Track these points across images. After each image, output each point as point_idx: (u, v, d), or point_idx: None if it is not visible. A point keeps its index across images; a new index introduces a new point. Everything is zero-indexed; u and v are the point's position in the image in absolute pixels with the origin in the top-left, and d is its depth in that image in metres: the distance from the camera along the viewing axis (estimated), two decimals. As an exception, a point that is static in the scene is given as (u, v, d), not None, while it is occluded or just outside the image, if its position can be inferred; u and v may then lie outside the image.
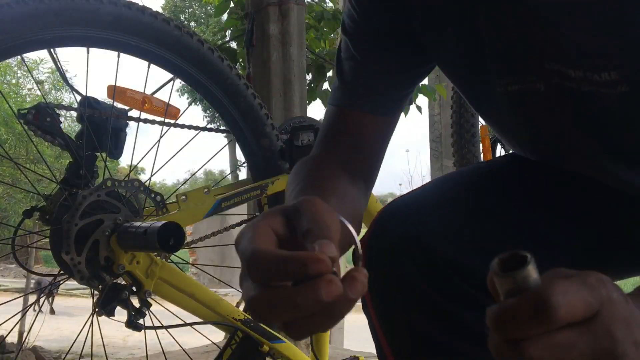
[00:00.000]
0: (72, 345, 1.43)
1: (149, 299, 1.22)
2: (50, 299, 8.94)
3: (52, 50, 1.30)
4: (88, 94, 1.34)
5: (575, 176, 0.78)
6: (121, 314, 1.21)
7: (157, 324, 1.27)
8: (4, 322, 1.28)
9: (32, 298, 4.79)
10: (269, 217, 0.50)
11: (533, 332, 0.40)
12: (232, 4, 3.07)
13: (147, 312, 1.21)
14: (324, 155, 0.82)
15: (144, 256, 1.21)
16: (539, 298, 0.40)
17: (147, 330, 1.22)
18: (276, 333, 1.44)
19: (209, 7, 16.26)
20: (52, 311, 9.08)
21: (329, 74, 3.24)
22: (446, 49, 0.77)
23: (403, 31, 0.78)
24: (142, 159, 1.40)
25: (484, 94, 0.76)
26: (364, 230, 0.87)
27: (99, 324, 1.26)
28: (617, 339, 0.42)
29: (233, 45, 3.30)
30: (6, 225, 5.36)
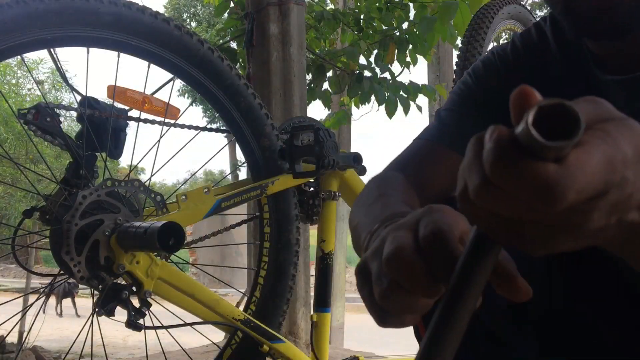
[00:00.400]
0: (72, 345, 1.43)
1: (149, 299, 1.22)
2: (59, 300, 8.77)
3: (52, 50, 1.30)
4: (88, 94, 1.34)
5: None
6: (121, 314, 1.21)
7: (157, 324, 1.27)
8: (4, 322, 1.28)
9: (32, 298, 4.79)
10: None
11: (530, 215, 0.35)
12: (232, 4, 3.07)
13: (147, 312, 1.21)
14: (401, 176, 0.84)
15: (144, 256, 1.21)
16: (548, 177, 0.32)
17: (147, 330, 1.22)
18: (276, 333, 1.44)
19: (210, 8, 16.26)
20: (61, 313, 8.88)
21: (329, 74, 3.24)
22: None
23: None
24: (142, 159, 1.40)
25: None
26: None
27: (99, 324, 1.25)
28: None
29: (233, 45, 3.30)
30: (6, 225, 5.36)
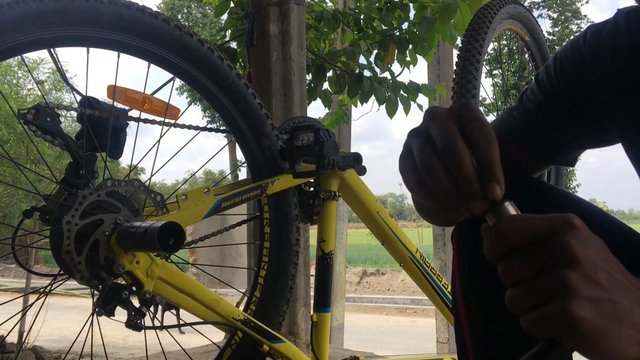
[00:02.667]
0: (72, 345, 1.43)
1: (148, 299, 1.22)
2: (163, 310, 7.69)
3: (52, 50, 1.30)
4: (88, 94, 1.34)
5: None
6: (121, 314, 1.21)
7: (157, 324, 1.26)
8: (4, 322, 1.28)
9: (32, 298, 4.79)
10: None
11: (494, 253, 0.51)
12: (232, 4, 3.07)
13: (147, 312, 1.21)
14: None
15: (144, 256, 1.21)
16: (494, 225, 0.52)
17: (147, 330, 1.22)
18: (276, 333, 1.44)
19: (206, 8, 16.27)
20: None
21: (329, 74, 3.24)
22: None
23: (592, 107, 0.82)
24: (142, 159, 1.40)
25: None
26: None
27: (99, 324, 1.25)
28: (571, 244, 0.47)
29: (233, 45, 3.30)
30: (6, 225, 5.36)
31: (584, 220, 0.56)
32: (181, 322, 1.31)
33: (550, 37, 18.08)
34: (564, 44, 0.88)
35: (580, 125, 0.85)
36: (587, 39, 0.83)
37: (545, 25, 18.73)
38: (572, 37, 0.89)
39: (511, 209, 0.54)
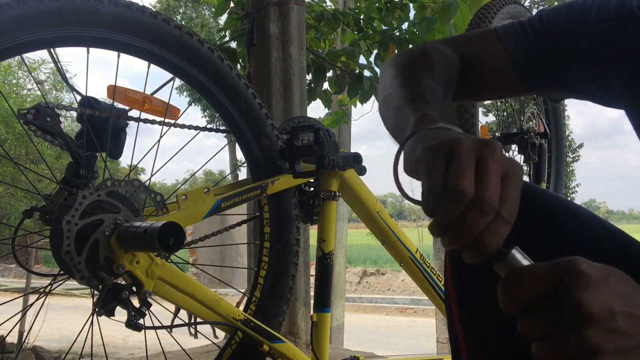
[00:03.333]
0: (72, 345, 1.43)
1: (149, 299, 1.22)
2: None
3: (52, 50, 1.29)
4: (88, 94, 1.34)
5: None
6: (121, 314, 1.21)
7: (157, 324, 1.26)
8: (4, 322, 1.28)
9: (32, 298, 4.79)
10: None
11: (510, 311, 0.50)
12: (232, 4, 3.07)
13: (147, 312, 1.21)
14: (451, 52, 0.90)
15: (144, 256, 1.21)
16: (503, 282, 0.51)
17: (147, 330, 1.22)
18: (276, 333, 1.44)
19: (203, 8, 16.26)
20: None
21: (329, 74, 3.24)
22: None
23: (603, 72, 0.84)
24: (142, 159, 1.40)
25: None
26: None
27: (99, 324, 1.25)
28: (582, 301, 0.46)
29: (233, 45, 3.30)
30: (6, 225, 5.35)
31: (575, 226, 0.57)
32: (181, 322, 1.31)
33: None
34: None
35: (582, 70, 0.86)
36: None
37: (545, 25, 18.67)
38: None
39: (519, 258, 0.53)
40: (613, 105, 0.89)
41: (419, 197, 0.61)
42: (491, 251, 0.54)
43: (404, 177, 0.65)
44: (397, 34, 3.26)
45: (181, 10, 16.84)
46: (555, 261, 0.49)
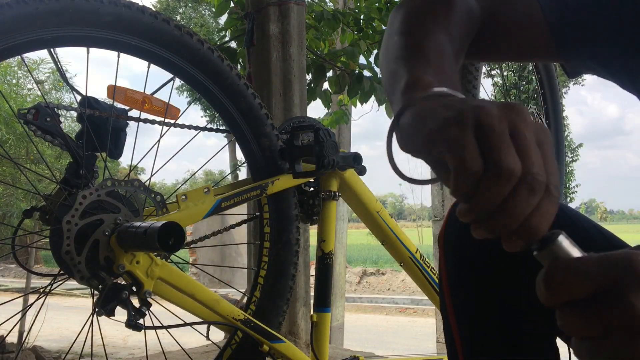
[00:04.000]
0: (72, 345, 1.43)
1: (149, 299, 1.22)
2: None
3: (52, 50, 1.29)
4: (88, 94, 1.34)
5: None
6: (121, 314, 1.21)
7: (157, 324, 1.27)
8: (4, 322, 1.28)
9: (32, 298, 4.79)
10: None
11: (550, 305, 0.44)
12: (232, 4, 3.07)
13: (147, 312, 1.21)
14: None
15: (144, 256, 1.21)
16: (545, 273, 0.44)
17: (147, 330, 1.22)
18: (276, 333, 1.44)
19: (202, 8, 16.27)
20: None
21: (329, 74, 3.24)
22: None
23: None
24: (142, 159, 1.40)
25: None
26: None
27: (99, 324, 1.25)
28: (634, 306, 0.40)
29: (233, 45, 3.30)
30: (6, 225, 5.36)
31: (567, 225, 0.54)
32: (181, 322, 1.31)
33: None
34: None
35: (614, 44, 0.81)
36: None
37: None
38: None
39: (565, 246, 0.46)
40: None
41: (416, 176, 0.55)
42: (540, 236, 0.47)
43: (400, 162, 0.58)
44: (397, 34, 3.25)
45: (181, 10, 16.85)
46: (611, 256, 0.43)
